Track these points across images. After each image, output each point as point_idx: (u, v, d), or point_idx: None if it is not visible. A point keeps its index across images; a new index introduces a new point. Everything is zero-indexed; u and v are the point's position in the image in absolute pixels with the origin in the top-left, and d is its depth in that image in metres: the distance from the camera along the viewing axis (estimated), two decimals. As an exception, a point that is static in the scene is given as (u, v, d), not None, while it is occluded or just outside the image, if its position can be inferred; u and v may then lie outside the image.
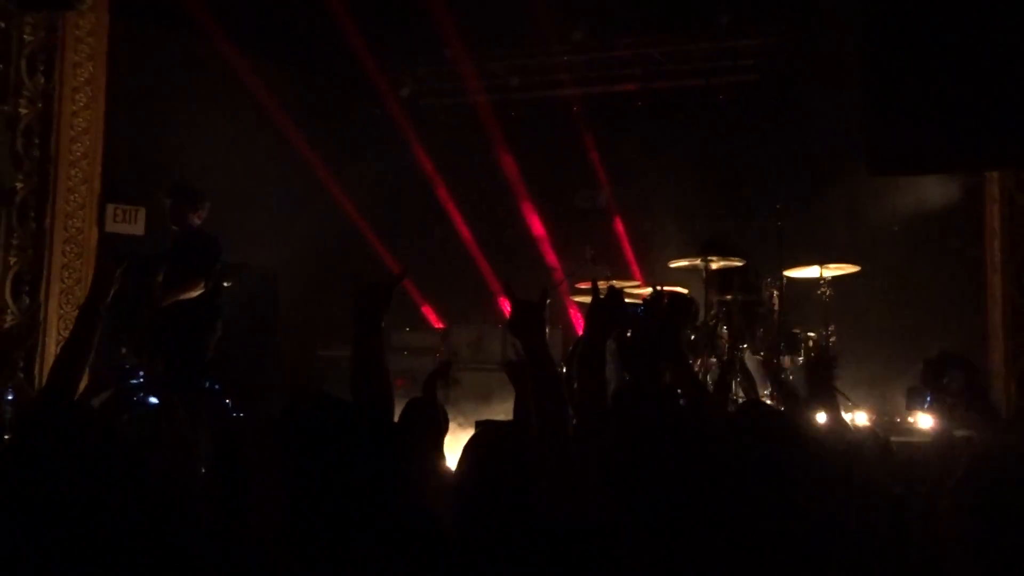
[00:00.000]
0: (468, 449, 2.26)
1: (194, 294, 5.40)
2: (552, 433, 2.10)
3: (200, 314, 5.53)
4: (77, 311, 5.81)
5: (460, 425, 5.65)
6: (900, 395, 6.17)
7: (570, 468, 2.18)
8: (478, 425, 5.47)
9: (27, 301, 5.73)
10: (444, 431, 3.50)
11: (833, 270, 6.30)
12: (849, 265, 6.34)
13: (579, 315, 8.18)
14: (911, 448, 4.27)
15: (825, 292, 6.24)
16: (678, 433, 1.89)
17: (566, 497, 2.11)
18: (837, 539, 1.98)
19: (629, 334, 2.86)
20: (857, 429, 4.46)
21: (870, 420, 5.98)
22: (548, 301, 2.32)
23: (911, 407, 5.65)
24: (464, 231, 8.97)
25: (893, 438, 4.06)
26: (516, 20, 7.93)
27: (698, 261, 6.44)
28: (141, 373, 4.50)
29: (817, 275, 6.29)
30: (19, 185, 5.66)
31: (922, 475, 3.01)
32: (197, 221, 5.63)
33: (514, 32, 8.29)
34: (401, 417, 3.42)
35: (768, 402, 4.80)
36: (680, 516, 1.79)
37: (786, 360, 6.16)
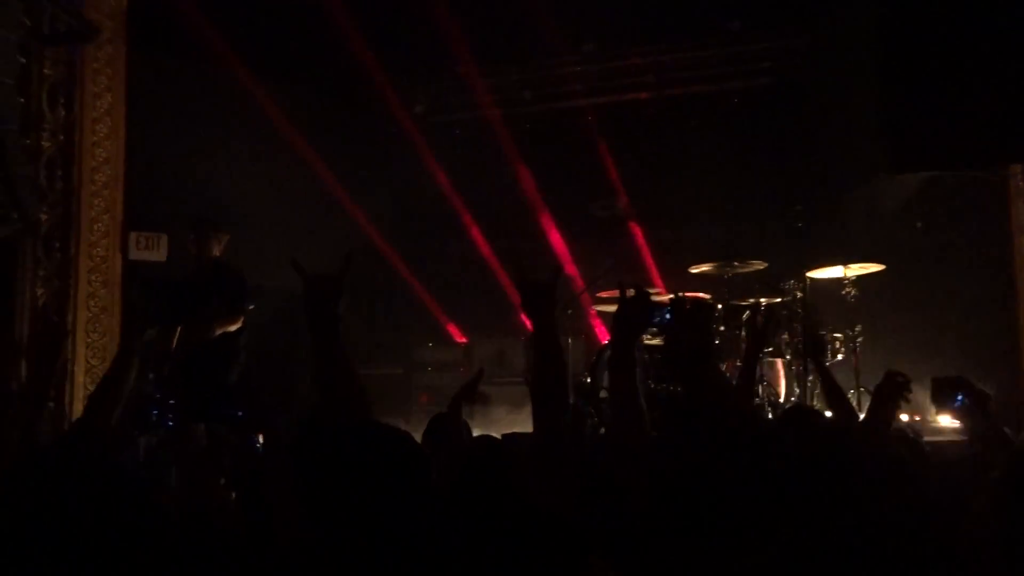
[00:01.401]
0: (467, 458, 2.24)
1: (232, 329, 5.48)
2: (549, 419, 2.08)
3: (224, 343, 5.58)
4: (104, 339, 5.90)
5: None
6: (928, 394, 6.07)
7: (564, 459, 2.15)
8: (504, 439, 5.46)
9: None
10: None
11: (857, 270, 6.23)
12: (873, 264, 6.28)
13: (601, 325, 8.16)
14: (942, 448, 4.20)
15: (850, 292, 6.17)
16: (723, 439, 1.86)
17: (562, 493, 2.09)
18: (878, 544, 1.95)
19: (663, 342, 2.84)
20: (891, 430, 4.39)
21: (899, 420, 5.89)
22: (559, 280, 2.27)
23: (938, 407, 5.55)
24: (483, 245, 8.98)
25: (924, 438, 4.00)
26: (527, 33, 7.97)
27: (719, 266, 6.41)
28: (171, 401, 4.55)
29: (840, 275, 6.23)
30: (44, 216, 5.73)
31: (956, 475, 2.97)
32: (218, 251, 5.69)
33: (525, 45, 8.33)
34: (424, 434, 3.41)
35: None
36: (726, 522, 1.77)
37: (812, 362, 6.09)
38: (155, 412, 4.57)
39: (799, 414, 3.00)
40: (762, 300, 6.34)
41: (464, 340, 8.73)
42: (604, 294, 6.93)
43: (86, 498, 1.68)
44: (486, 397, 3.17)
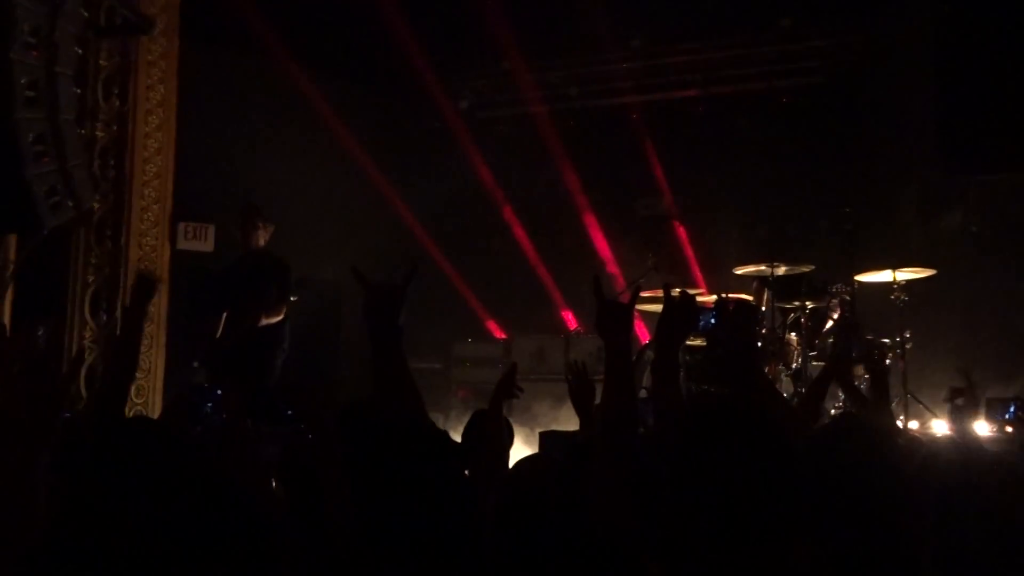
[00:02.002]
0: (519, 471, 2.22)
1: (276, 319, 5.51)
2: (619, 436, 2.05)
3: (268, 335, 5.63)
4: (151, 326, 6.01)
5: (526, 439, 5.63)
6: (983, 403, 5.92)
7: (632, 476, 2.13)
8: (542, 436, 5.44)
9: (104, 318, 5.92)
10: (509, 444, 3.47)
11: (907, 274, 6.09)
12: (924, 269, 6.13)
13: (640, 324, 8.09)
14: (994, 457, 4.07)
15: (899, 297, 6.03)
16: (768, 446, 1.82)
17: (623, 506, 2.07)
18: (927, 556, 1.90)
19: (706, 343, 2.80)
20: (936, 439, 4.30)
21: (950, 429, 5.76)
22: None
23: (991, 418, 5.41)
24: (525, 242, 8.97)
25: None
26: (574, 29, 7.92)
27: (764, 267, 6.31)
28: (218, 391, 4.60)
29: (889, 280, 6.10)
30: (96, 205, 5.86)
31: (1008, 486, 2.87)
32: (264, 240, 5.74)
33: (572, 41, 8.29)
34: (465, 430, 3.41)
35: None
36: (771, 531, 1.73)
37: (858, 368, 5.97)
38: (208, 405, 4.63)
39: (847, 422, 2.93)
40: (808, 304, 6.22)
41: (504, 336, 8.73)
42: (645, 293, 6.87)
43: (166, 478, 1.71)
44: (519, 390, 3.13)
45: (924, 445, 3.32)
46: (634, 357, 6.48)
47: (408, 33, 7.75)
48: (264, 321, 5.47)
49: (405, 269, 2.22)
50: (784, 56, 8.14)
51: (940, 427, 5.76)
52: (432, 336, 8.12)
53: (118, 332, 2.76)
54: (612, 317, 2.07)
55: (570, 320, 8.66)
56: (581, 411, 3.10)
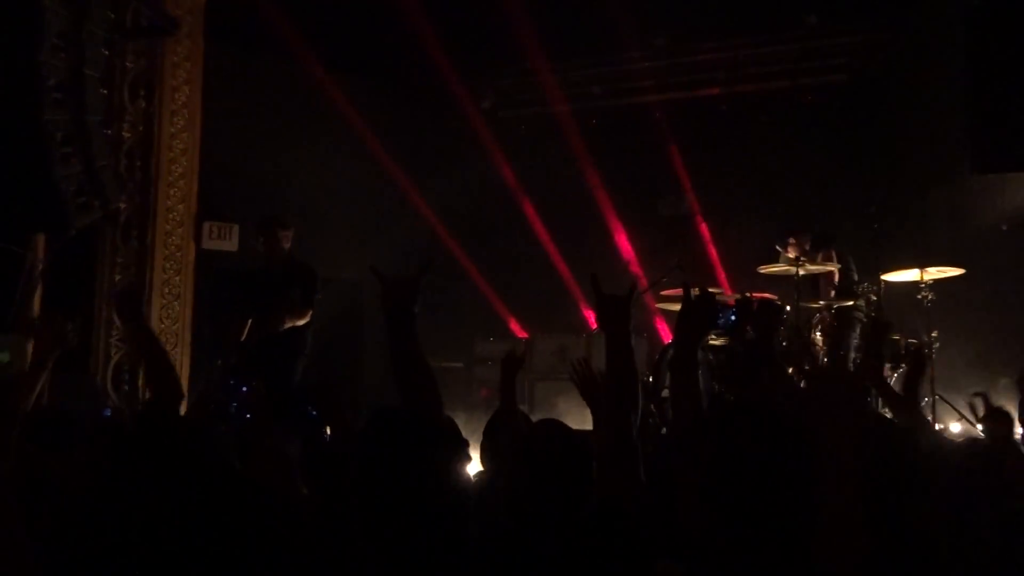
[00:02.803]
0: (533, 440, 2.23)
1: (302, 322, 5.49)
2: (617, 426, 2.07)
3: (292, 337, 5.62)
4: (176, 325, 6.07)
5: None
6: (1011, 404, 5.81)
7: (632, 464, 2.13)
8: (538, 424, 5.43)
9: (130, 317, 5.98)
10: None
11: (934, 274, 6.00)
12: (952, 268, 6.04)
13: (664, 324, 8.06)
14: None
15: (926, 297, 5.95)
16: (784, 445, 1.81)
17: (629, 483, 2.07)
18: (956, 556, 1.87)
19: (726, 342, 2.79)
20: (972, 440, 4.22)
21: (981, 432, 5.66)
22: (635, 295, 2.29)
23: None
24: (547, 241, 8.96)
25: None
26: (597, 28, 7.90)
27: (789, 267, 6.26)
28: (243, 388, 4.64)
29: (917, 279, 6.01)
30: (123, 205, 5.94)
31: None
32: (287, 245, 5.71)
33: (595, 40, 8.26)
34: (486, 429, 3.41)
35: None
36: (786, 530, 1.72)
37: (886, 369, 5.90)
38: (234, 404, 4.66)
39: (874, 423, 2.89)
40: (834, 304, 6.15)
41: (525, 335, 8.73)
42: (668, 293, 6.84)
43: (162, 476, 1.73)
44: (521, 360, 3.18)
45: (951, 446, 3.27)
46: (657, 357, 6.46)
47: (431, 33, 7.77)
48: (288, 323, 5.43)
49: (421, 261, 2.33)
50: (809, 54, 8.06)
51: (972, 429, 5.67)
52: (454, 335, 8.13)
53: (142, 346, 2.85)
54: (610, 310, 2.14)
55: (591, 319, 8.63)
56: (591, 401, 3.10)
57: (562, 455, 2.04)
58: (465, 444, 1.99)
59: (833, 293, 6.41)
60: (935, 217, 7.04)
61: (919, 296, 5.99)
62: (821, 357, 6.04)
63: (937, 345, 5.93)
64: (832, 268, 6.25)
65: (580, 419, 6.41)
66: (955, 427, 5.81)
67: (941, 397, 5.88)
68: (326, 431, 3.12)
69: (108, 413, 4.69)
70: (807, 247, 6.46)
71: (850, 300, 6.14)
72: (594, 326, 8.10)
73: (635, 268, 8.67)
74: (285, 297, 5.48)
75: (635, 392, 2.08)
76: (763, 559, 1.77)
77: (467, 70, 8.53)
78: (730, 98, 8.54)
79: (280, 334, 5.46)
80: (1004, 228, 6.89)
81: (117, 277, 5.96)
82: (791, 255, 6.40)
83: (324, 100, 7.72)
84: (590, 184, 8.81)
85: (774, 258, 6.59)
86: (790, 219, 6.90)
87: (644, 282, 7.80)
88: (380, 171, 8.21)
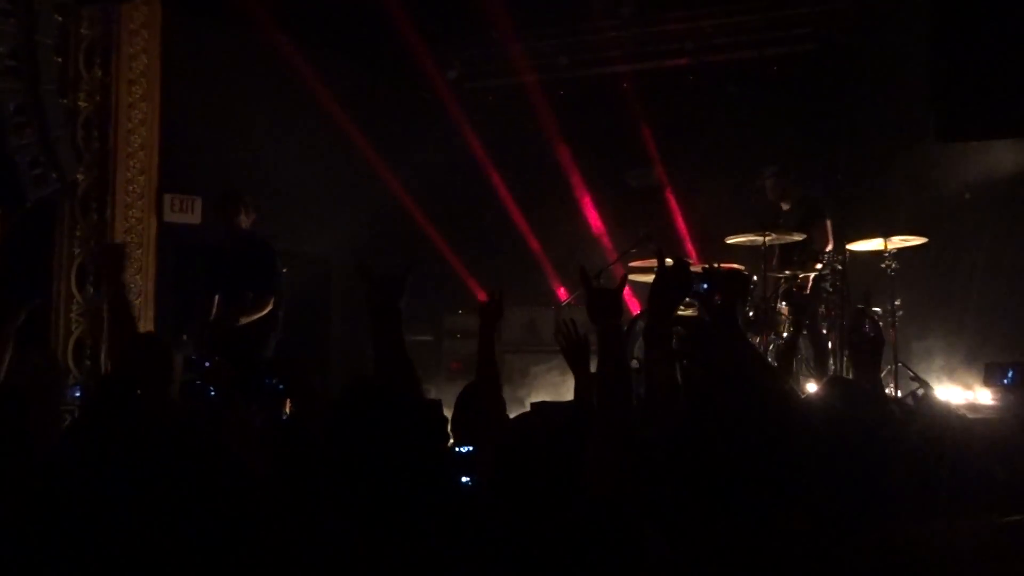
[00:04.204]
0: (518, 425, 2.22)
1: (262, 312, 5.38)
2: (615, 415, 2.06)
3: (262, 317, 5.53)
4: (139, 300, 5.96)
5: (518, 410, 5.61)
6: (975, 371, 5.95)
7: (631, 449, 2.14)
8: (533, 407, 5.44)
9: (91, 291, 5.86)
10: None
11: (898, 243, 6.09)
12: (915, 237, 6.12)
13: (632, 295, 8.08)
14: (987, 425, 4.11)
15: (890, 265, 6.03)
16: (756, 412, 1.82)
17: (620, 475, 2.07)
18: (934, 524, 1.90)
19: (696, 312, 2.79)
20: (936, 406, 4.31)
21: (946, 397, 5.80)
22: (623, 288, 2.30)
23: (989, 383, 5.43)
24: (515, 213, 8.92)
25: (970, 416, 3.91)
26: (563, -3, 7.83)
27: (755, 237, 6.30)
28: (206, 363, 4.57)
29: (881, 248, 6.09)
30: (81, 177, 5.78)
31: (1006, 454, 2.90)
32: (247, 223, 5.57)
33: (562, 10, 8.18)
34: (457, 401, 3.39)
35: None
36: (761, 497, 1.73)
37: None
38: (198, 381, 4.59)
39: (837, 385, 2.93)
40: (799, 273, 6.21)
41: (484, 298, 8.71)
42: (636, 263, 6.85)
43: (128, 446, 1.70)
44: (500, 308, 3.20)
45: (914, 411, 3.33)
46: (625, 328, 6.49)
47: (396, 3, 7.63)
48: (246, 320, 5.30)
49: (406, 261, 2.48)
50: (775, 24, 8.07)
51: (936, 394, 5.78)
52: (423, 309, 8.09)
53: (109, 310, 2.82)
54: (603, 303, 2.12)
55: (561, 292, 8.64)
56: (577, 368, 3.10)
57: (548, 455, 2.03)
58: (445, 423, 1.99)
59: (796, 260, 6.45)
60: (899, 186, 7.12)
61: (883, 265, 6.06)
62: (787, 327, 6.11)
63: (900, 313, 6.02)
64: (797, 238, 6.29)
65: (553, 391, 6.45)
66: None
67: (904, 365, 5.99)
68: (286, 403, 3.10)
69: (77, 392, 4.59)
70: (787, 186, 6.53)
71: (815, 270, 6.20)
72: (564, 298, 8.12)
73: (603, 239, 8.68)
74: (248, 278, 5.38)
75: (629, 385, 2.09)
76: (738, 527, 1.78)
77: (433, 41, 8.41)
78: (697, 68, 8.53)
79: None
80: (967, 196, 7.00)
81: (76, 251, 5.81)
82: (770, 189, 6.50)
83: (288, 70, 7.57)
84: (558, 155, 8.77)
85: (757, 193, 6.68)
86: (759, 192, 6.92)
87: (613, 253, 7.82)
88: (346, 143, 8.09)
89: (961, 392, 5.99)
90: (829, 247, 6.35)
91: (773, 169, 6.64)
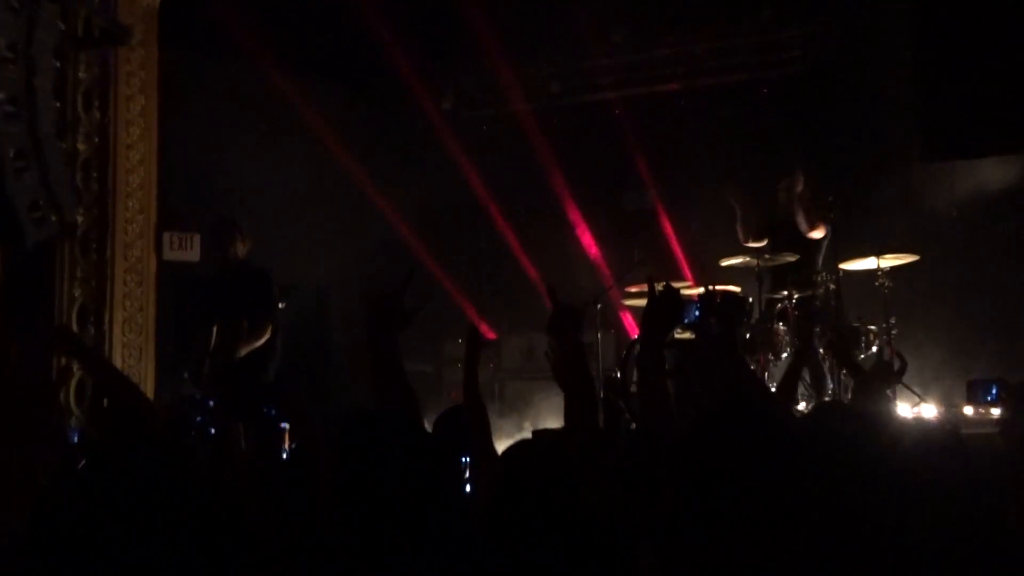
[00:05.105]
0: (510, 456, 2.25)
1: (260, 341, 5.35)
2: (581, 432, 2.10)
3: (261, 345, 5.53)
4: (140, 338, 5.99)
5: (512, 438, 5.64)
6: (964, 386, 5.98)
7: (602, 466, 2.17)
8: (535, 435, 5.45)
9: (92, 331, 5.89)
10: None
11: (891, 261, 6.13)
12: (907, 255, 6.17)
13: (631, 319, 8.12)
14: (978, 440, 4.12)
15: (884, 284, 6.07)
16: (750, 436, 1.84)
17: (603, 496, 2.09)
18: (925, 551, 1.91)
19: (691, 336, 2.83)
20: (925, 423, 4.32)
21: (938, 413, 5.81)
22: (588, 309, 2.34)
23: (973, 400, 5.47)
24: (512, 239, 8.98)
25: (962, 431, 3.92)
26: (555, 26, 7.95)
27: (750, 258, 6.35)
28: (208, 403, 4.59)
29: (874, 267, 6.14)
30: (80, 218, 5.84)
31: (996, 470, 2.90)
32: (243, 251, 5.56)
33: (553, 38, 8.30)
34: (437, 421, 3.42)
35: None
36: (753, 520, 1.75)
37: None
38: (199, 418, 4.60)
39: (831, 409, 2.96)
40: (795, 293, 6.25)
41: (494, 336, 8.74)
42: (633, 288, 6.90)
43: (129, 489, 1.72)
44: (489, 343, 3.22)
45: (913, 430, 3.34)
46: (624, 352, 6.52)
47: (389, 35, 7.74)
48: (245, 350, 5.26)
49: (403, 275, 2.36)
50: (764, 47, 8.18)
51: (929, 411, 5.81)
52: (422, 338, 8.12)
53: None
54: (563, 321, 2.19)
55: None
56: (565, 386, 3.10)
57: (543, 482, 2.05)
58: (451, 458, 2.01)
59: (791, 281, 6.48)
60: (890, 205, 7.19)
61: (876, 284, 6.11)
62: (784, 347, 6.13)
63: (895, 332, 6.06)
64: (791, 259, 6.34)
65: (552, 418, 6.46)
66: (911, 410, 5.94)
67: (902, 382, 6.01)
68: (283, 433, 3.12)
69: (76, 436, 4.59)
70: (801, 190, 6.48)
71: (809, 290, 6.24)
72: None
73: (600, 264, 8.73)
74: (246, 309, 5.37)
75: (592, 394, 2.13)
76: (736, 549, 1.80)
77: (427, 71, 8.52)
78: (689, 92, 8.63)
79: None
80: (954, 214, 7.06)
81: (76, 292, 5.86)
82: (797, 189, 6.43)
83: (283, 104, 7.66)
84: (553, 181, 8.84)
85: (772, 200, 6.66)
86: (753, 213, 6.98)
87: (609, 277, 7.86)
88: (343, 175, 8.16)
89: (955, 410, 6.01)
90: (810, 233, 6.35)
91: (802, 175, 6.53)
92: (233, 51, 7.11)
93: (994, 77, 5.21)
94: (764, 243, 6.65)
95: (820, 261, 6.43)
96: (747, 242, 6.73)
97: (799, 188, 6.47)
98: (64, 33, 5.54)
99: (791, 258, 6.32)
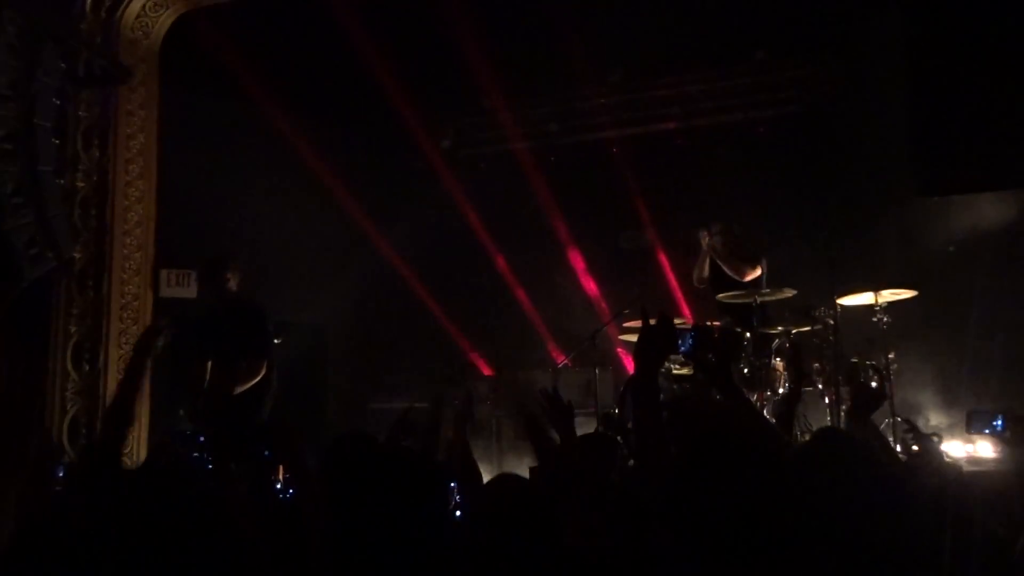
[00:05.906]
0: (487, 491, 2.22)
1: (256, 379, 5.27)
2: (653, 453, 2.07)
3: (257, 382, 5.48)
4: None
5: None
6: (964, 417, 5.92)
7: (614, 504, 2.13)
8: (532, 472, 5.39)
9: (87, 368, 5.86)
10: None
11: (888, 296, 6.13)
12: (905, 290, 6.17)
13: (628, 356, 8.08)
14: (980, 476, 4.08)
15: (881, 319, 6.06)
16: (749, 466, 1.82)
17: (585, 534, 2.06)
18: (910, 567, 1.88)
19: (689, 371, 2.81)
20: (934, 460, 4.28)
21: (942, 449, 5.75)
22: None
23: (973, 432, 5.42)
24: (510, 278, 8.98)
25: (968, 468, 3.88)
26: (553, 66, 8.04)
27: (744, 293, 6.35)
28: (201, 439, 4.55)
29: (871, 302, 6.13)
30: (77, 255, 5.84)
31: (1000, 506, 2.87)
32: (235, 285, 5.46)
33: (551, 78, 8.39)
34: (394, 424, 3.40)
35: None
36: (755, 552, 1.72)
37: (845, 391, 5.98)
38: (195, 454, 4.55)
39: (829, 437, 2.93)
40: (792, 329, 6.23)
41: (491, 373, 8.70)
42: (629, 324, 6.88)
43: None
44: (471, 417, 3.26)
45: (906, 464, 3.31)
46: (622, 389, 6.48)
47: (389, 74, 7.83)
48: (240, 389, 5.15)
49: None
50: (760, 87, 8.27)
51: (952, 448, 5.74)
52: (420, 377, 8.08)
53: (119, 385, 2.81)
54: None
55: (557, 355, 8.64)
56: (563, 432, 3.04)
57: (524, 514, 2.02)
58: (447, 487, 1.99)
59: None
60: (886, 241, 7.20)
61: (874, 319, 6.09)
62: (782, 383, 6.10)
63: (895, 367, 6.02)
64: (789, 294, 6.34)
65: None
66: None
67: (903, 419, 5.95)
68: (278, 473, 3.09)
69: (61, 472, 4.53)
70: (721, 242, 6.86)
71: (807, 326, 6.22)
72: (561, 360, 8.12)
73: (598, 301, 8.72)
74: (242, 344, 5.32)
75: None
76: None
77: (426, 110, 8.60)
78: (686, 132, 8.70)
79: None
80: (951, 249, 7.08)
81: (72, 328, 5.84)
82: (714, 244, 6.89)
83: (282, 143, 7.72)
84: (551, 220, 8.88)
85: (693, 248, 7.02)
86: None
87: (607, 315, 7.84)
88: (341, 213, 8.20)
89: (960, 445, 5.95)
90: (746, 278, 6.70)
91: (719, 227, 6.92)
92: (234, 90, 7.18)
93: (990, 113, 5.25)
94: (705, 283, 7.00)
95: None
96: (699, 283, 7.12)
97: (714, 242, 6.89)
98: (65, 72, 5.60)
99: (789, 294, 6.33)
